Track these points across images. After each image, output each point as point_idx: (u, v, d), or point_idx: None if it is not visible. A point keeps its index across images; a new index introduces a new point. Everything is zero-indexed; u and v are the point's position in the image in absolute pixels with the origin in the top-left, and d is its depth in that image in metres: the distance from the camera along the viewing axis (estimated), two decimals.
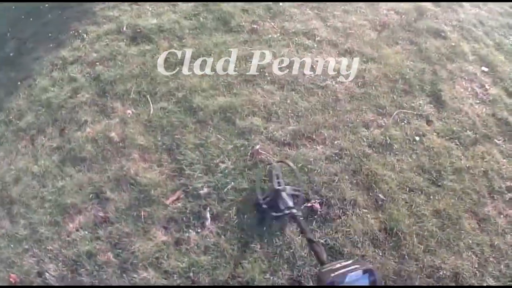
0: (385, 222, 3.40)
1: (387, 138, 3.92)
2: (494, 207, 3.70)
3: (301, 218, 3.04)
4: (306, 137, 3.83)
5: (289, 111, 3.99)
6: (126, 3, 5.01)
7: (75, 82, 4.33)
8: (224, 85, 4.17)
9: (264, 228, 3.31)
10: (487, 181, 3.85)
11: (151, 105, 4.04)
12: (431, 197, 3.61)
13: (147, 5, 4.97)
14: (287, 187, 3.30)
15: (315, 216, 3.38)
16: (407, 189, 3.62)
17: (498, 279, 3.29)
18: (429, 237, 3.38)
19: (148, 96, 4.12)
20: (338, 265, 2.50)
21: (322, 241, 3.26)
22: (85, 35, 4.74)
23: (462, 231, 3.47)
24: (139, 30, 4.63)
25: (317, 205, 3.41)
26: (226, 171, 3.59)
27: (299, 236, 3.26)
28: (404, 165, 3.76)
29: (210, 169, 3.62)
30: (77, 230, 3.46)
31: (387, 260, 3.24)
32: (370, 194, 3.55)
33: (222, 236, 3.32)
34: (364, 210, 3.45)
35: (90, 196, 3.62)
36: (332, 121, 3.98)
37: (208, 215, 3.42)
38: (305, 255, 3.20)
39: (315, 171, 3.59)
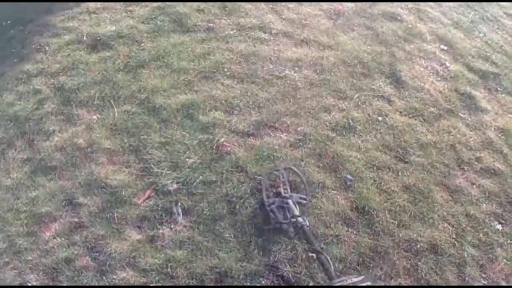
0: (356, 201, 3.21)
1: (350, 121, 3.72)
2: (465, 178, 3.55)
3: (307, 228, 2.81)
4: (269, 127, 3.60)
5: (250, 103, 3.74)
6: (85, 13, 4.66)
7: (40, 94, 3.97)
8: (185, 83, 3.88)
9: (236, 217, 3.10)
10: (455, 153, 3.69)
11: (115, 109, 3.74)
12: (399, 173, 3.44)
13: (105, 13, 4.63)
14: (294, 194, 3.07)
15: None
16: (374, 168, 3.43)
17: (478, 248, 3.16)
18: (402, 212, 3.21)
19: (111, 101, 3.81)
20: (349, 281, 2.35)
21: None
22: (47, 48, 4.38)
23: (435, 204, 3.31)
24: (98, 38, 4.29)
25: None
26: (194, 166, 3.33)
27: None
28: (369, 145, 3.57)
29: (178, 165, 3.35)
30: (54, 238, 3.16)
31: (361, 238, 3.05)
32: (338, 175, 3.35)
33: (195, 229, 3.08)
34: (333, 191, 3.25)
35: (63, 203, 3.31)
36: (293, 109, 3.75)
37: (179, 210, 3.17)
38: (279, 240, 2.99)
39: (281, 158, 3.37)
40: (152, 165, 3.38)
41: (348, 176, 3.32)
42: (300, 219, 2.80)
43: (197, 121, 3.59)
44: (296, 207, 2.94)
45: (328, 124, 3.66)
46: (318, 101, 3.85)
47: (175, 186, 3.26)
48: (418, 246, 3.07)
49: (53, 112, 3.83)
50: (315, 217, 3.07)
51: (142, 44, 4.25)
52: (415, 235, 3.11)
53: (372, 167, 3.42)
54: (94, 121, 3.70)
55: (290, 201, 2.97)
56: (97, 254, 3.06)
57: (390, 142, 3.62)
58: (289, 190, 3.09)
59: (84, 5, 4.84)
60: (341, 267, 2.91)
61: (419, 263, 3.01)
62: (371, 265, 2.95)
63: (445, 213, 3.27)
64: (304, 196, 3.08)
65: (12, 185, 3.52)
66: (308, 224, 2.81)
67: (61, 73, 4.10)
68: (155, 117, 3.66)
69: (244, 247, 2.98)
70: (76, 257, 3.05)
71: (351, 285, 2.34)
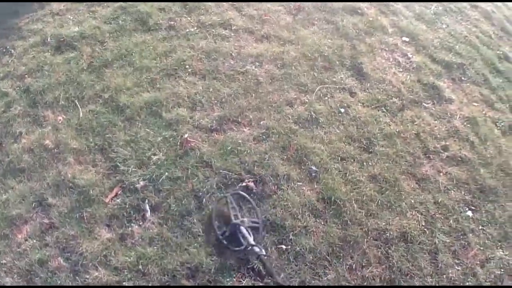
0: (322, 192, 3.07)
1: (312, 113, 3.55)
2: (431, 166, 3.40)
3: (264, 257, 2.64)
4: (232, 121, 3.41)
5: (213, 99, 3.54)
6: (49, 15, 4.25)
7: (7, 96, 3.66)
8: (148, 81, 3.64)
9: (203, 212, 2.89)
10: (420, 143, 3.54)
11: (80, 109, 3.47)
12: (365, 163, 3.29)
13: (68, 14, 4.28)
14: (245, 219, 2.82)
15: (251, 195, 2.98)
16: (339, 159, 3.28)
17: (449, 234, 3.01)
18: (369, 202, 3.08)
19: (76, 101, 3.53)
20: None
21: (263, 217, 2.88)
22: (12, 50, 4.02)
23: (402, 192, 3.17)
24: (62, 39, 3.96)
25: (251, 184, 3.02)
26: (159, 162, 3.12)
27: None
28: (332, 137, 3.42)
29: (143, 162, 3.14)
30: (26, 240, 2.91)
31: (330, 228, 2.92)
32: (303, 167, 3.19)
33: (164, 226, 2.88)
34: (298, 183, 3.10)
35: (33, 204, 3.05)
36: (255, 103, 3.56)
37: (147, 207, 2.96)
38: (248, 232, 2.78)
39: (245, 152, 3.20)
40: (118, 163, 3.14)
41: (313, 168, 3.17)
42: (256, 248, 2.63)
43: (161, 118, 3.38)
44: (250, 234, 2.72)
45: (291, 117, 3.49)
46: (280, 95, 3.67)
47: (141, 183, 3.04)
48: (388, 234, 2.93)
49: (20, 115, 3.53)
50: (281, 209, 2.92)
51: (105, 44, 3.96)
52: (384, 224, 2.98)
53: (336, 158, 3.28)
54: (60, 122, 3.42)
55: (242, 228, 2.74)
56: (69, 254, 2.82)
57: (353, 133, 3.48)
58: (239, 215, 2.84)
59: (48, 7, 4.50)
60: (311, 257, 2.78)
61: (390, 251, 2.88)
62: (341, 255, 2.82)
63: (413, 201, 3.14)
64: (256, 220, 2.83)
65: None
66: (264, 253, 2.66)
67: (27, 75, 3.78)
68: (120, 116, 3.43)
69: (213, 241, 2.81)
70: (49, 258, 2.81)
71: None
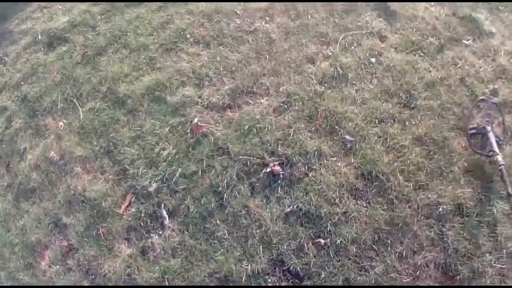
0: (361, 166, 2.19)
1: (339, 69, 2.57)
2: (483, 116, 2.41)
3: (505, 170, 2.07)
4: (247, 93, 2.53)
5: (221, 69, 2.65)
6: (37, 10, 3.57)
7: (7, 110, 3.04)
8: (146, 62, 2.81)
9: (226, 211, 2.17)
10: (467, 89, 2.52)
11: (79, 109, 2.77)
12: (407, 123, 2.35)
13: (57, 4, 3.53)
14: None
15: (279, 181, 2.17)
16: (377, 121, 2.35)
17: (508, 200, 2.07)
18: (416, 171, 2.17)
19: (74, 100, 2.83)
20: None
21: (294, 207, 2.10)
22: (6, 58, 3.38)
23: (453, 154, 2.24)
24: (53, 34, 3.24)
25: (277, 168, 2.19)
26: (170, 158, 2.37)
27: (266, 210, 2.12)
28: (366, 94, 2.47)
29: (153, 160, 2.40)
30: (50, 267, 2.38)
31: (374, 210, 2.07)
32: (335, 138, 2.29)
33: (186, 232, 2.19)
34: (332, 159, 2.23)
35: (50, 227, 2.49)
36: (270, 66, 2.63)
37: (164, 213, 2.27)
38: (279, 229, 2.07)
39: (266, 129, 2.33)
40: (126, 166, 2.44)
41: (347, 137, 2.27)
42: (499, 157, 2.11)
43: (165, 103, 2.57)
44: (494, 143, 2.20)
45: (314, 77, 2.54)
46: (299, 51, 2.70)
47: (154, 185, 2.33)
48: (441, 209, 2.06)
49: (21, 128, 2.91)
50: (315, 194, 2.09)
51: (97, 29, 3.16)
52: (436, 197, 2.10)
53: (373, 121, 2.34)
54: (62, 128, 2.76)
55: (491, 134, 2.24)
56: (93, 276, 2.28)
57: (390, 86, 2.49)
58: (491, 124, 2.30)
59: (35, 3, 3.73)
60: (354, 249, 1.98)
61: (444, 229, 2.02)
62: (389, 241, 2.01)
63: (466, 164, 2.20)
64: (502, 139, 2.30)
65: (0, 217, 2.72)
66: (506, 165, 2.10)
67: (22, 82, 3.12)
68: (121, 109, 2.67)
69: (241, 244, 2.08)
70: (74, 283, 2.29)
71: None
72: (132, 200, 2.38)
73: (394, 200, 2.07)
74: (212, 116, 2.43)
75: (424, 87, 2.48)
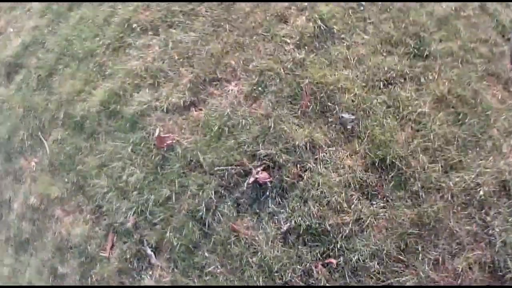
0: (369, 153, 1.57)
1: (319, 23, 1.88)
2: None
3: None
4: (210, 81, 1.93)
5: (176, 58, 2.05)
6: None
7: None
8: (96, 71, 2.27)
9: (212, 239, 1.68)
10: (491, 19, 1.75)
11: (45, 143, 2.35)
12: (422, 79, 1.65)
13: (9, 27, 3.05)
14: None
15: (267, 192, 1.62)
16: (381, 85, 1.68)
17: None
18: (444, 146, 1.52)
19: (39, 134, 2.41)
20: None
21: (291, 224, 1.56)
22: None
23: (489, 112, 1.54)
24: (9, 63, 2.80)
25: (262, 175, 1.63)
26: (139, 184, 1.89)
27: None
28: (361, 50, 1.79)
29: (123, 191, 1.94)
30: None
31: (395, 210, 1.49)
32: (330, 120, 1.67)
33: (175, 270, 1.75)
34: (330, 149, 1.62)
35: (50, 279, 2.15)
36: (232, 39, 1.99)
37: (148, 251, 1.84)
38: (279, 253, 1.55)
39: (239, 126, 1.74)
40: (100, 201, 2.02)
41: (345, 115, 1.64)
42: None
43: (122, 117, 2.05)
44: None
45: (289, 41, 1.87)
46: (264, 10, 2.01)
47: (131, 220, 1.90)
48: (481, 192, 1.44)
49: (2, 176, 2.59)
50: (316, 202, 1.52)
51: (46, 44, 2.65)
52: (473, 176, 1.47)
53: (377, 86, 1.67)
54: (34, 169, 2.37)
55: None
56: None
57: (391, 33, 1.77)
58: None
59: None
60: (376, 265, 1.43)
61: (488, 218, 1.42)
62: (420, 247, 1.44)
63: (506, 124, 1.51)
64: None
65: (9, 273, 2.49)
66: None
67: None
68: (82, 134, 2.20)
69: (238, 277, 1.59)
70: None
71: None
72: (114, 239, 2.00)
73: (420, 192, 1.45)
74: (176, 121, 1.88)
75: (436, 25, 1.72)
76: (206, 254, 1.66)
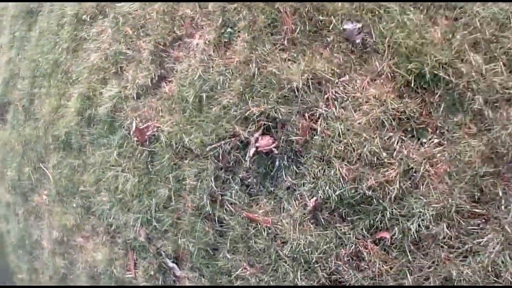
0: (398, 70, 1.02)
1: None
2: None
3: None
4: (171, 43, 1.44)
5: (131, 33, 1.57)
6: None
7: (9, 204, 2.59)
8: (64, 80, 1.89)
9: (229, 237, 1.28)
10: None
11: (48, 172, 2.09)
12: None
13: None
14: None
15: (277, 162, 1.16)
16: None
17: None
18: (499, 34, 0.94)
19: (41, 165, 2.15)
20: None
21: (319, 197, 1.09)
22: None
23: None
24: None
25: (264, 141, 1.16)
26: (136, 191, 1.52)
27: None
28: None
29: (125, 202, 1.59)
30: None
31: (458, 144, 0.97)
32: (328, 38, 1.11)
33: (202, 278, 1.40)
34: (342, 79, 1.08)
35: None
36: None
37: (169, 263, 1.50)
38: (313, 238, 1.10)
39: (218, 86, 1.26)
40: (109, 219, 1.70)
41: (348, 26, 1.08)
42: None
43: (99, 120, 1.67)
44: None
45: None
46: None
47: (142, 233, 1.56)
48: None
49: (25, 217, 2.41)
50: (342, 160, 1.06)
51: (20, 73, 2.35)
52: None
53: None
54: (47, 201, 2.15)
55: None
56: None
57: None
58: None
59: None
60: (444, 228, 0.95)
61: None
62: (500, 191, 0.91)
63: None
64: None
65: None
66: None
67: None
68: (72, 153, 1.88)
69: (273, 276, 1.18)
70: None
71: None
72: (134, 257, 1.69)
73: (484, 109, 0.91)
74: (150, 105, 1.46)
75: None
76: (228, 255, 1.28)
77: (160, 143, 1.42)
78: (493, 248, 0.93)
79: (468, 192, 0.96)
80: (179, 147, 1.35)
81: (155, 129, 1.44)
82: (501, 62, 0.97)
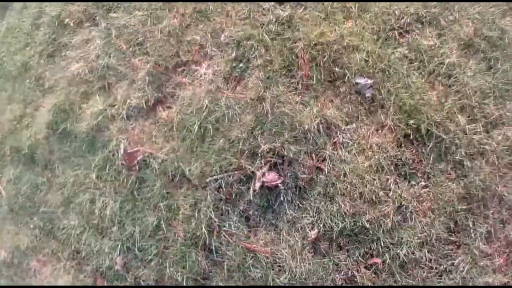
0: (399, 124, 1.10)
1: None
2: None
3: None
4: (174, 68, 1.35)
5: (125, 48, 1.45)
6: None
7: None
8: (34, 87, 1.63)
9: (225, 266, 1.20)
10: None
11: (0, 188, 1.82)
12: (442, 21, 1.18)
13: None
14: None
15: (281, 196, 1.13)
16: (396, 34, 1.18)
17: None
18: (481, 102, 1.12)
19: None
20: None
21: (320, 229, 1.10)
22: None
23: None
24: None
25: (270, 176, 1.12)
26: (117, 217, 1.36)
27: None
28: None
29: (100, 227, 1.41)
30: None
31: (440, 186, 1.12)
32: (341, 89, 1.16)
33: None
34: (349, 127, 1.13)
35: None
36: (192, 9, 1.39)
37: None
38: (312, 266, 1.10)
39: (226, 119, 1.20)
40: (76, 245, 1.51)
41: (360, 81, 1.14)
42: None
43: (75, 137, 1.48)
44: None
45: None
46: None
47: (118, 261, 1.41)
48: None
49: None
50: (344, 197, 1.10)
51: None
52: None
53: (391, 37, 1.18)
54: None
55: None
56: None
57: None
58: None
59: None
60: (426, 253, 1.09)
61: None
62: (470, 222, 1.12)
63: None
64: None
65: None
66: None
67: None
68: (35, 168, 1.63)
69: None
70: None
71: None
72: (105, 283, 1.51)
73: (464, 160, 1.04)
74: (142, 129, 1.34)
75: None
76: (221, 283, 1.20)
77: (152, 169, 1.29)
78: (463, 268, 1.09)
79: (445, 224, 1.10)
80: (176, 175, 1.24)
81: (146, 154, 1.31)
82: (480, 124, 1.11)
